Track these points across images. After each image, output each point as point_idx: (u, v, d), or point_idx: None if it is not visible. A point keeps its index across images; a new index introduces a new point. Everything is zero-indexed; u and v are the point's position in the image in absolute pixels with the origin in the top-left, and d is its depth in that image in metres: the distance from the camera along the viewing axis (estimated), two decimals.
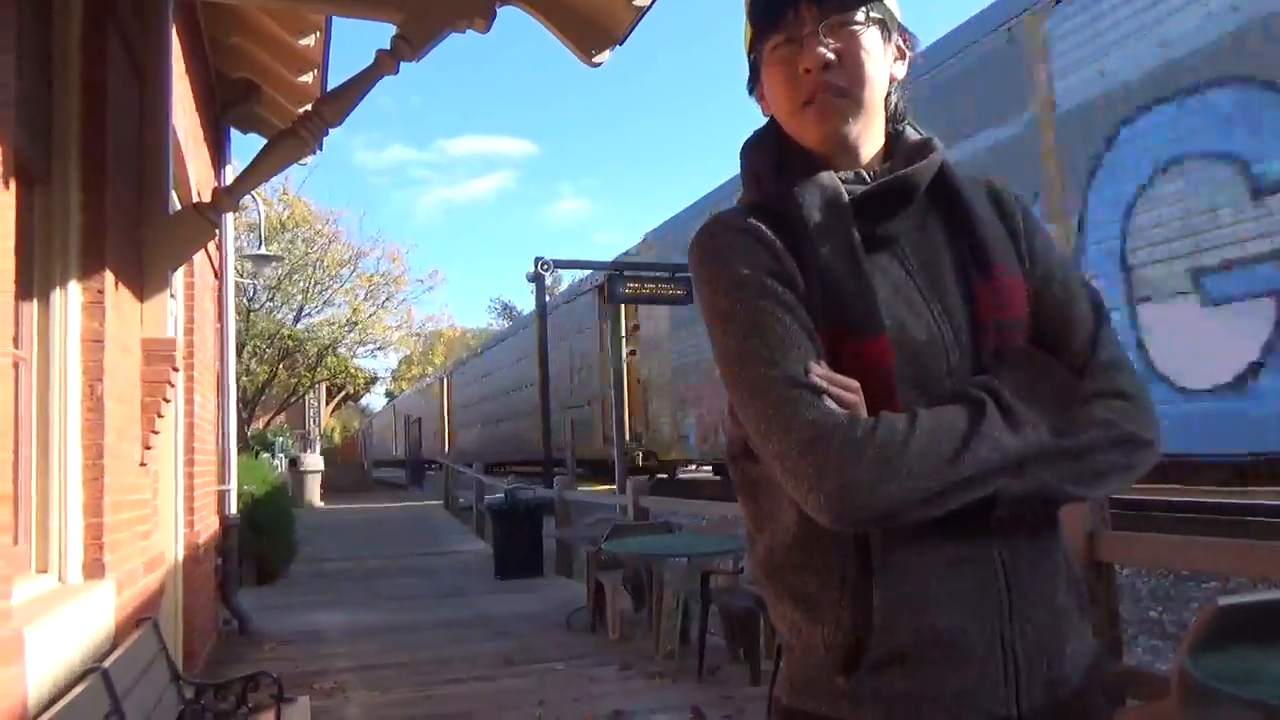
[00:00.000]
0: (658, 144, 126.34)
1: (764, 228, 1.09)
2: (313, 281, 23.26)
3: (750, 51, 1.18)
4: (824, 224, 1.08)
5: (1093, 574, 3.25)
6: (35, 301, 2.83)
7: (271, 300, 22.72)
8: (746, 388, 1.02)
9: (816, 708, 1.05)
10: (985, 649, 1.01)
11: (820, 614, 1.04)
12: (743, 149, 1.21)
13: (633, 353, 16.66)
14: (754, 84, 1.20)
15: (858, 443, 0.95)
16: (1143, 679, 3.24)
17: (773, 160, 1.16)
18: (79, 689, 2.27)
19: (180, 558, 5.06)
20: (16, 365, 2.69)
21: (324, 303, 24.28)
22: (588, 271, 17.69)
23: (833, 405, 0.99)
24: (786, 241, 1.08)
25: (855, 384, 1.02)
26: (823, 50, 1.09)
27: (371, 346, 26.98)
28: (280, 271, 20.33)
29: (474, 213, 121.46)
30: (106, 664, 2.48)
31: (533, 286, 15.81)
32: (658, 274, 14.00)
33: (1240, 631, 2.11)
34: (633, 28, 4.20)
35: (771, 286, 1.04)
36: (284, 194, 21.37)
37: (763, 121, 1.22)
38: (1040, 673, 1.03)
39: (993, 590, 1.02)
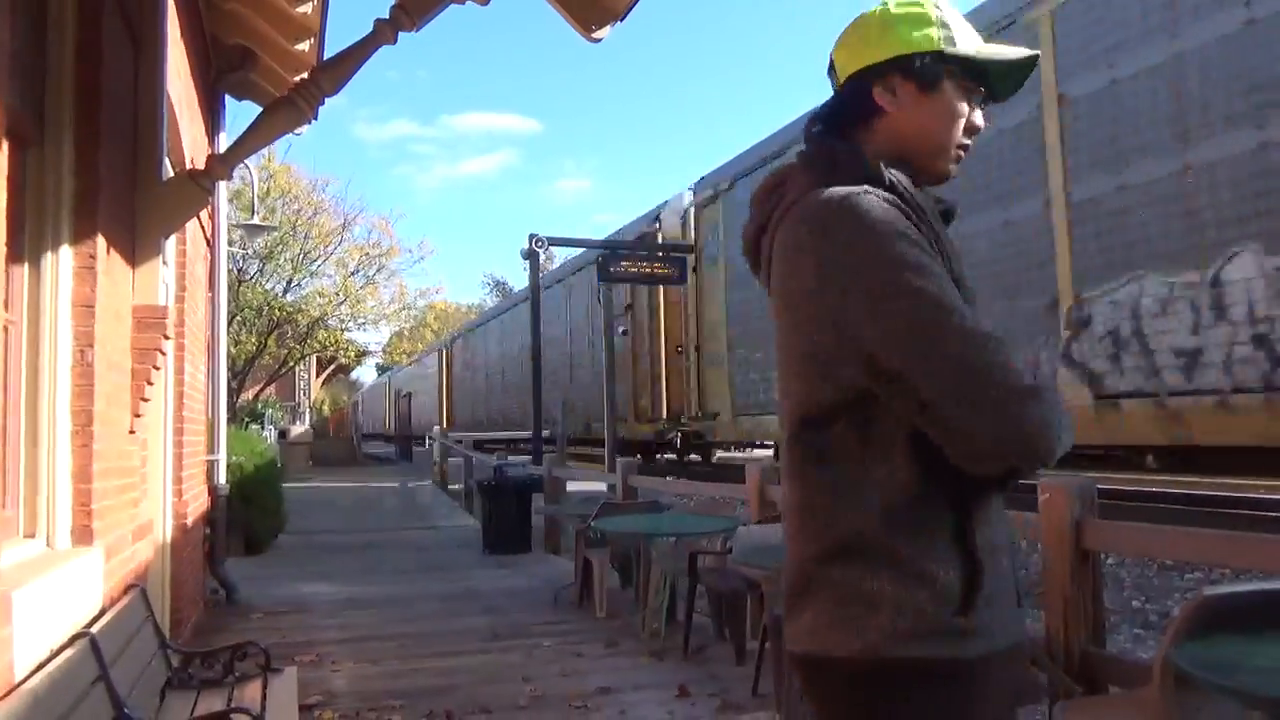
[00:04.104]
0: (661, 123, 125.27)
1: (908, 208, 1.21)
2: (301, 252, 23.10)
3: (943, 73, 1.31)
4: (932, 223, 1.24)
5: (1078, 562, 3.28)
6: (26, 265, 2.80)
7: (261, 272, 22.59)
8: (957, 335, 1.11)
9: (933, 654, 1.14)
10: (1013, 585, 1.24)
11: (928, 567, 1.15)
12: (836, 134, 1.34)
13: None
14: (918, 82, 1.31)
15: (1054, 391, 1.14)
16: (1124, 667, 3.27)
17: (881, 156, 1.28)
18: (67, 654, 2.27)
19: (168, 526, 5.05)
20: (6, 329, 2.67)
21: (312, 274, 24.13)
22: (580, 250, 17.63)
23: None
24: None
25: None
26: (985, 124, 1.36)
27: (363, 320, 26.84)
28: (270, 239, 20.15)
29: (475, 190, 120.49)
30: (94, 630, 2.48)
31: (527, 264, 15.77)
32: (651, 253, 13.98)
33: (1225, 622, 2.13)
34: (634, 4, 4.16)
35: (933, 257, 1.18)
36: (267, 162, 21.11)
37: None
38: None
39: (1010, 536, 1.26)
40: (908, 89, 1.30)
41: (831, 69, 1.39)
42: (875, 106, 1.31)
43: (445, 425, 32.50)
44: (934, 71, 1.30)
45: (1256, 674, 1.86)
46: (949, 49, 1.30)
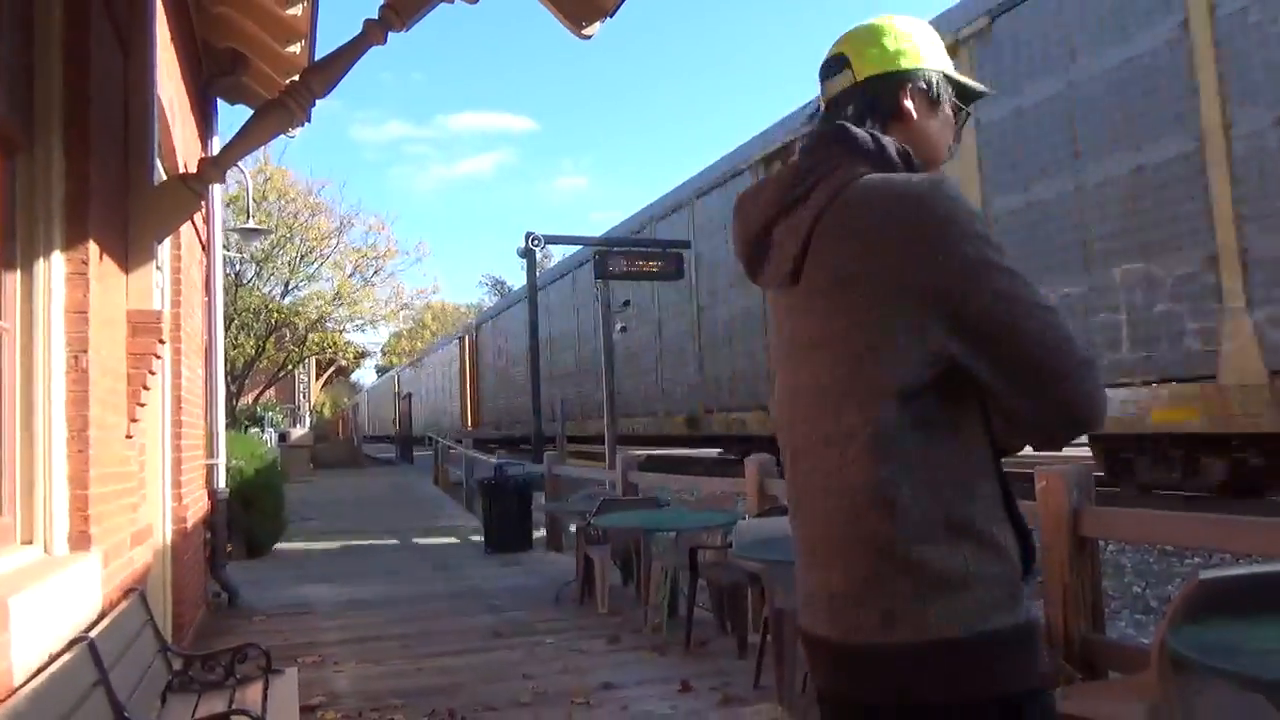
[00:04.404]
0: (657, 118, 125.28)
1: None
2: (298, 255, 23.09)
3: (941, 96, 1.42)
4: None
5: (1076, 549, 3.28)
6: (18, 272, 2.80)
7: (258, 275, 22.58)
8: (1036, 309, 1.19)
9: (1013, 620, 1.19)
10: None
11: (995, 538, 1.21)
12: (882, 131, 1.38)
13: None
14: (928, 96, 1.42)
15: None
16: (1124, 652, 3.27)
17: None
18: (65, 658, 2.27)
19: (168, 530, 5.06)
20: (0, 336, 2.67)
21: (309, 277, 24.12)
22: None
23: None
24: None
25: None
26: None
27: (360, 321, 26.82)
28: (266, 243, 20.15)
29: (472, 190, 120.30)
30: (93, 634, 2.48)
31: (524, 262, 15.76)
32: (647, 249, 13.97)
33: (1221, 605, 2.13)
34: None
35: None
36: (264, 165, 21.10)
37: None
38: None
39: None
40: (922, 100, 1.40)
41: (842, 65, 1.42)
42: (894, 109, 1.39)
43: (470, 424, 28.91)
44: (943, 89, 1.42)
45: (1253, 656, 1.86)
46: (949, 72, 1.44)
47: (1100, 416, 1.19)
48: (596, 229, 29.95)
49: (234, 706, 3.01)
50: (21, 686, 2.05)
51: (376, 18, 3.98)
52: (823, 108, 1.47)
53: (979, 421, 1.24)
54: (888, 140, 1.33)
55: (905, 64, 1.39)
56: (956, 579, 1.17)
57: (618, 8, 4.23)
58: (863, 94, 1.39)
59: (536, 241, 14.55)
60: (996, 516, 1.22)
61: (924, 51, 1.41)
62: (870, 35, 1.42)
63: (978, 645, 1.17)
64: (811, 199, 1.30)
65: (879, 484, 1.20)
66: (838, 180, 1.29)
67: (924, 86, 1.39)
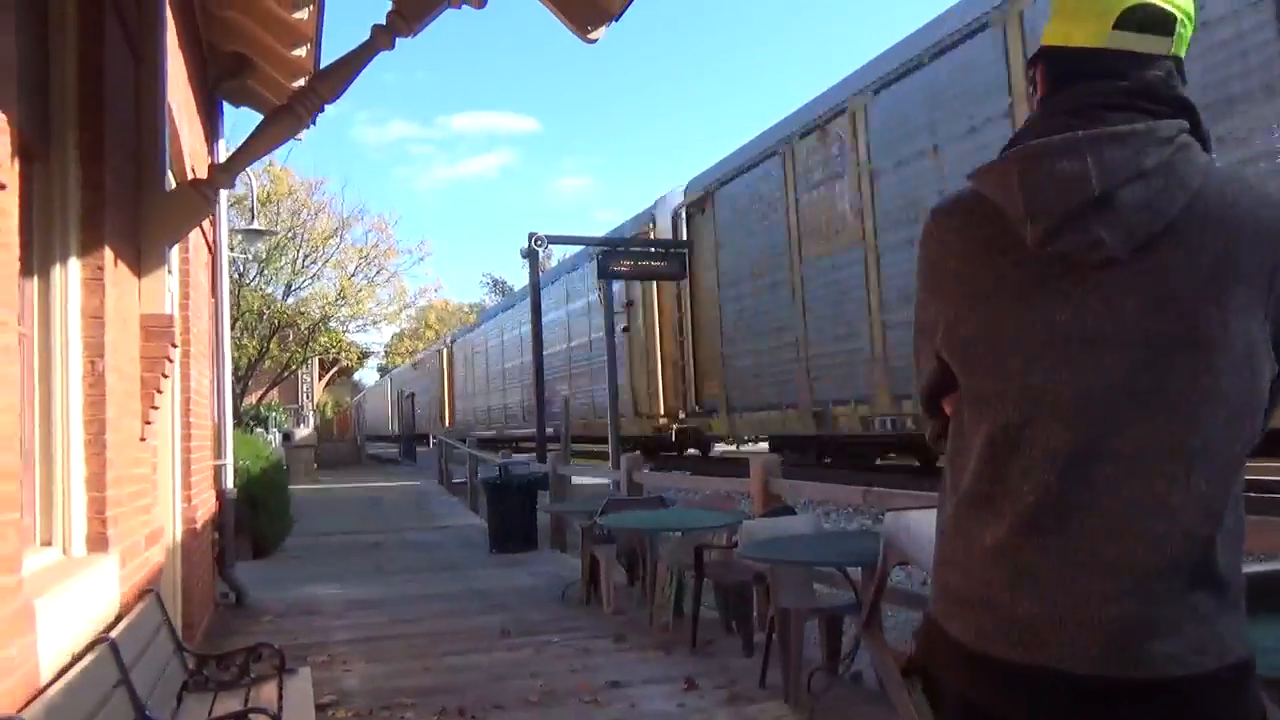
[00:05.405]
0: (660, 117, 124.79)
1: None
2: (301, 254, 23.17)
3: None
4: None
5: None
6: (36, 278, 2.84)
7: (261, 275, 22.65)
8: None
9: None
10: None
11: None
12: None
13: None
14: None
15: None
16: None
17: None
18: (88, 658, 2.31)
19: (179, 531, 5.10)
20: (19, 341, 2.71)
21: (312, 277, 24.21)
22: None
23: None
24: None
25: None
26: None
27: (363, 321, 26.90)
28: (269, 244, 20.22)
29: (475, 190, 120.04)
30: (114, 635, 2.53)
31: (527, 262, 15.79)
32: (649, 249, 14.01)
33: None
34: (629, 3, 4.19)
35: None
36: (269, 165, 21.21)
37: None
38: None
39: None
40: None
41: (1170, 28, 1.18)
42: None
43: (688, 404, 15.02)
44: None
45: (1259, 654, 1.89)
46: None
47: None
48: (601, 228, 29.70)
49: (250, 705, 3.05)
50: (49, 686, 2.09)
51: (384, 23, 4.02)
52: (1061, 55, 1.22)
53: None
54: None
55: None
56: (1241, 597, 1.11)
57: (623, 11, 4.26)
58: (1177, 70, 1.20)
59: (540, 242, 14.59)
60: None
61: None
62: (1191, 13, 1.20)
63: (1252, 661, 1.11)
64: (1171, 170, 1.11)
65: (1219, 503, 1.09)
66: (1203, 161, 1.14)
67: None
